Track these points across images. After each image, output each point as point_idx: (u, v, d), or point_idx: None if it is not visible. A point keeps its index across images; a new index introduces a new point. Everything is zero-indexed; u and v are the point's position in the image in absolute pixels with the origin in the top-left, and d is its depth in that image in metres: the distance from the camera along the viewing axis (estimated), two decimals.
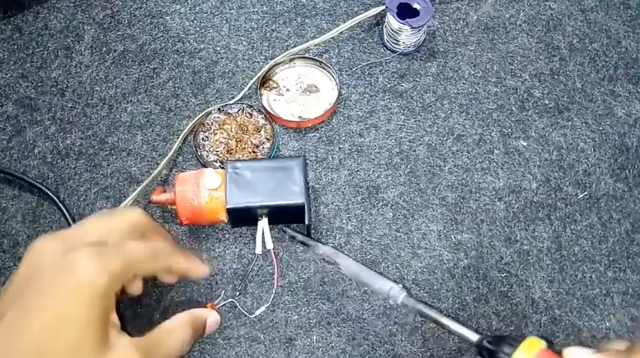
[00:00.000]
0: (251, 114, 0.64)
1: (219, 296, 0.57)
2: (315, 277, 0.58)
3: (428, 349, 0.55)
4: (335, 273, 0.58)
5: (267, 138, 0.63)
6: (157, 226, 0.49)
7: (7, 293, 0.39)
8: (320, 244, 0.57)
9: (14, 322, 0.37)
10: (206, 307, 0.55)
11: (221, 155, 0.62)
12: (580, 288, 0.58)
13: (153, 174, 0.61)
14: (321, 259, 0.57)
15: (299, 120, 0.65)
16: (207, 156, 0.62)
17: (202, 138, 0.63)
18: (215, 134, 0.63)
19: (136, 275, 0.44)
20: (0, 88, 0.68)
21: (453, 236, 0.60)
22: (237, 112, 0.64)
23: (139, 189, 0.60)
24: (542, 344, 0.37)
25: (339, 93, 0.66)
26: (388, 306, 0.57)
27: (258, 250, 0.57)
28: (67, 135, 0.65)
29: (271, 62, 0.67)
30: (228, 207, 0.55)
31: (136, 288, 0.47)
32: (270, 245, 0.56)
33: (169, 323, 0.45)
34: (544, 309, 0.57)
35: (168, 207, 0.58)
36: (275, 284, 0.57)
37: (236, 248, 0.59)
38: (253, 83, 0.67)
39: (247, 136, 0.63)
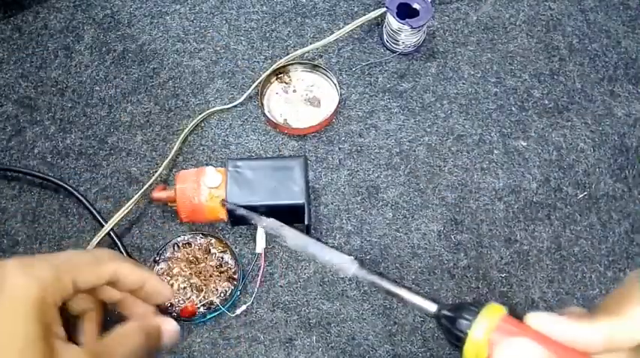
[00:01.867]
0: (190, 244, 0.58)
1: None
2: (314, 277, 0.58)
3: (428, 349, 0.55)
4: (335, 273, 0.58)
5: (222, 250, 0.58)
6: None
7: None
8: (263, 217, 0.51)
9: None
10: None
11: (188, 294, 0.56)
12: (580, 288, 0.58)
13: (154, 177, 0.61)
14: (266, 232, 0.51)
15: (281, 122, 0.65)
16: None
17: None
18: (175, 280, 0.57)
19: (78, 285, 0.38)
20: (0, 88, 0.68)
21: (452, 236, 0.60)
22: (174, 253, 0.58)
23: (142, 191, 0.60)
24: (503, 309, 0.36)
25: (333, 117, 0.66)
26: (388, 306, 0.57)
27: (259, 249, 0.57)
28: (67, 135, 0.65)
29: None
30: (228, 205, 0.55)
31: (109, 295, 0.41)
32: (262, 245, 0.57)
33: (120, 329, 0.40)
34: (544, 309, 0.57)
35: (169, 204, 0.58)
36: (258, 282, 0.57)
37: (236, 248, 0.59)
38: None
39: (203, 264, 0.57)
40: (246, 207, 0.55)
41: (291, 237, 0.49)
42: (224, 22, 0.72)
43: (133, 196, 0.60)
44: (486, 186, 0.63)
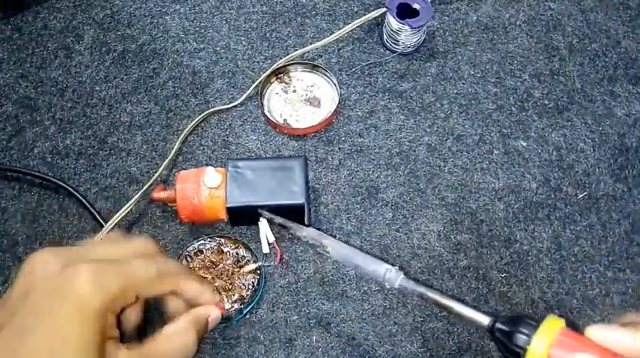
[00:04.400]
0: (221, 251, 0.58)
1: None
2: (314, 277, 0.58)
3: (428, 349, 0.55)
4: (335, 273, 0.58)
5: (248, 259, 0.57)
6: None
7: (4, 307, 0.37)
8: (303, 226, 0.51)
9: (8, 342, 0.35)
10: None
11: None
12: (580, 288, 0.58)
13: (154, 177, 0.61)
14: (305, 242, 0.51)
15: (281, 122, 0.65)
16: None
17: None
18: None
19: (140, 296, 0.40)
20: (0, 88, 0.68)
21: (452, 236, 0.60)
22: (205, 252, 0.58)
23: (141, 191, 0.60)
24: (562, 322, 0.35)
25: (333, 117, 0.66)
26: (388, 306, 0.57)
27: (265, 249, 0.57)
28: (67, 135, 0.65)
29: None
30: (228, 205, 0.55)
31: (133, 318, 0.42)
32: (271, 238, 0.57)
33: (171, 327, 0.42)
34: (544, 309, 0.57)
35: (169, 205, 0.58)
36: (278, 259, 0.57)
37: None
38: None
39: (221, 265, 0.57)
40: (246, 207, 0.56)
41: (333, 246, 0.48)
42: (224, 22, 0.72)
43: (133, 196, 0.60)
44: (486, 186, 0.63)
